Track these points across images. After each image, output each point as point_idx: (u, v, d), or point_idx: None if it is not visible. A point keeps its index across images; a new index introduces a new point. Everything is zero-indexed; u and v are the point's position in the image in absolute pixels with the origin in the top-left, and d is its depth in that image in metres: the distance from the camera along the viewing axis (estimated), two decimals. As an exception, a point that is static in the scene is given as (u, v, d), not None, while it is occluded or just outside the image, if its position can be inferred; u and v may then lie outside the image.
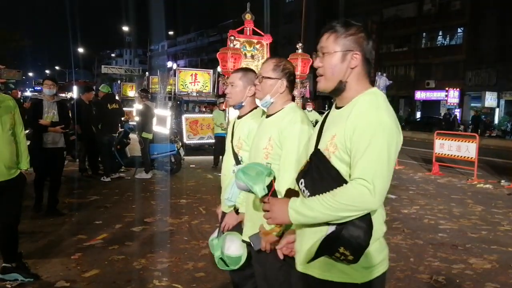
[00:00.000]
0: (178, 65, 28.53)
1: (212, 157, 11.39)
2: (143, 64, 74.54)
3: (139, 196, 7.62)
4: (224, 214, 2.90)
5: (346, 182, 1.69)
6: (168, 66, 28.73)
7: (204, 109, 14.90)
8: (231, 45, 9.11)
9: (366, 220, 1.67)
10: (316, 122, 9.09)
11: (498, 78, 30.48)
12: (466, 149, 10.61)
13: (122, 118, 10.15)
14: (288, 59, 10.09)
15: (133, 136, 10.23)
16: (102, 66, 34.07)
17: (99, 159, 9.38)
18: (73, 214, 6.27)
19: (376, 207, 1.68)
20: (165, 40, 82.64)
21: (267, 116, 2.57)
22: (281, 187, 2.18)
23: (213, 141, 12.81)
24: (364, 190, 1.62)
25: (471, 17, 32.17)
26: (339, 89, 1.82)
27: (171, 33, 77.79)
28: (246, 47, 10.06)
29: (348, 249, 1.64)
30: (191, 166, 11.12)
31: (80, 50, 62.76)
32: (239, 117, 2.92)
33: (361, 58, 1.80)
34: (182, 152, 10.29)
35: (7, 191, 3.81)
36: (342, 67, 1.79)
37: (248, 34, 10.10)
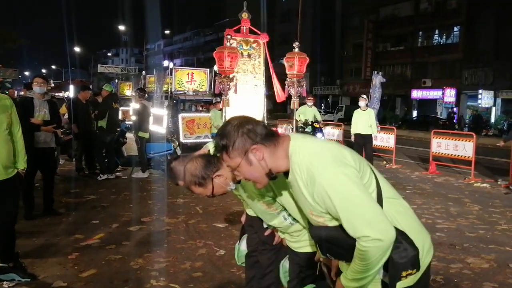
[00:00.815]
0: (174, 64, 28.45)
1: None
2: (140, 63, 74.36)
3: (136, 196, 7.60)
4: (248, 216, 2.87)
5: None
6: (164, 65, 28.63)
7: (200, 108, 14.86)
8: (228, 44, 9.09)
9: (398, 238, 1.68)
10: (315, 118, 9.10)
11: (494, 77, 30.57)
12: (463, 148, 10.62)
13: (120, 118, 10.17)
14: (285, 58, 10.02)
15: (130, 135, 10.20)
16: (99, 65, 33.94)
17: (96, 158, 9.34)
18: (70, 214, 6.25)
19: (391, 234, 1.64)
20: (161, 39, 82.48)
21: None
22: None
23: (210, 140, 12.81)
24: (370, 243, 1.61)
25: (467, 16, 32.26)
26: (272, 175, 1.86)
27: (167, 32, 77.69)
28: (242, 46, 10.03)
29: (408, 268, 1.69)
30: (188, 165, 11.09)
31: (77, 49, 62.54)
32: None
33: (261, 149, 1.81)
34: (179, 151, 10.25)
35: (4, 191, 3.80)
36: (254, 167, 1.83)
37: (244, 33, 10.08)
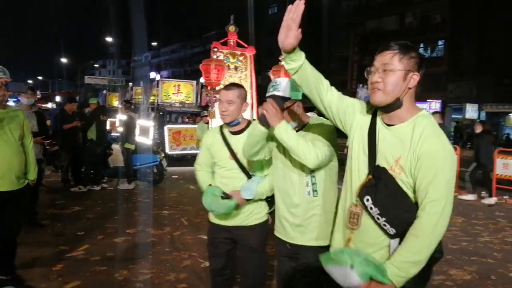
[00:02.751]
0: (161, 76, 28.49)
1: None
2: (127, 75, 74.14)
3: (122, 207, 7.58)
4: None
5: (412, 202, 1.86)
6: (151, 77, 28.70)
7: (187, 120, 14.89)
8: (214, 56, 9.14)
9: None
10: None
11: (478, 91, 31.07)
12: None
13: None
14: (271, 71, 10.03)
15: (116, 147, 10.17)
16: (86, 77, 33.69)
17: (84, 169, 9.28)
18: (55, 225, 6.20)
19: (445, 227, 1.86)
20: (148, 51, 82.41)
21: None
22: None
23: (196, 152, 12.85)
24: (436, 217, 1.79)
25: (452, 30, 32.86)
26: (394, 105, 1.91)
27: (154, 44, 77.70)
28: (229, 59, 10.10)
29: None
30: (173, 177, 11.08)
31: (64, 60, 62.23)
32: (234, 133, 2.94)
33: (418, 80, 1.91)
34: (164, 163, 10.25)
35: (14, 201, 3.88)
36: (402, 85, 1.88)
37: (231, 46, 10.14)
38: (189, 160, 13.39)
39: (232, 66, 10.11)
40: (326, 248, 2.29)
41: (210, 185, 2.97)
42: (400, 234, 1.85)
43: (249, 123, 2.96)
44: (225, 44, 10.04)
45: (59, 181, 9.34)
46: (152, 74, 30.23)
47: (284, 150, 2.53)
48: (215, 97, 9.19)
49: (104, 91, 28.83)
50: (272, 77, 9.84)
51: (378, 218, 1.88)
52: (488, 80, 29.85)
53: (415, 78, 1.89)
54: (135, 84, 23.59)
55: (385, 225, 1.87)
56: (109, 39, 62.89)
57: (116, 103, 23.73)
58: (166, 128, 13.17)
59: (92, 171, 9.14)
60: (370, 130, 2.00)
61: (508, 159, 9.80)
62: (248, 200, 2.86)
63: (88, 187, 8.88)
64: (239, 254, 3.06)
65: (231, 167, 2.92)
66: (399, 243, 1.85)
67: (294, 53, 1.99)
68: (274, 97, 2.40)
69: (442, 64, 34.03)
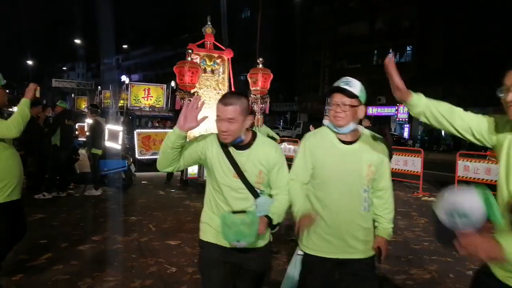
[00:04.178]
0: (131, 80, 28.14)
1: (164, 173, 11.25)
2: (97, 78, 73.06)
3: (88, 214, 7.46)
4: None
5: None
6: (121, 81, 28.28)
7: (157, 124, 14.76)
8: (189, 58, 8.84)
9: None
10: (269, 136, 8.88)
11: (444, 96, 31.72)
12: (412, 163, 11.05)
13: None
14: (249, 74, 9.73)
15: (83, 152, 10.01)
16: (53, 80, 32.92)
17: (47, 176, 9.08)
18: (16, 234, 6.05)
19: None
20: (119, 53, 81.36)
21: (344, 142, 2.59)
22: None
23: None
24: None
25: (419, 36, 33.68)
26: None
27: (125, 46, 76.77)
28: (206, 62, 9.82)
29: None
30: (142, 182, 10.97)
31: (30, 62, 60.78)
32: (239, 148, 2.53)
33: None
34: (133, 168, 10.15)
35: (19, 210, 3.93)
36: None
37: (208, 48, 9.80)
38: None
39: (208, 69, 9.86)
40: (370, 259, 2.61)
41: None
42: None
43: (254, 134, 2.61)
44: (201, 46, 9.77)
45: (23, 187, 9.09)
46: (123, 78, 29.74)
47: (343, 163, 2.55)
48: (189, 100, 9.01)
49: (73, 95, 28.34)
50: (249, 80, 9.70)
51: None
52: (453, 85, 30.69)
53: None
54: (104, 88, 23.25)
55: None
56: (77, 41, 61.64)
57: (85, 107, 23.36)
58: (135, 132, 13.04)
59: (57, 177, 8.96)
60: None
61: (469, 162, 10.11)
62: (270, 222, 2.51)
63: (53, 194, 8.69)
64: (242, 280, 2.65)
65: (237, 187, 2.53)
66: None
67: (410, 103, 2.16)
68: (343, 90, 2.51)
69: (410, 70, 34.82)
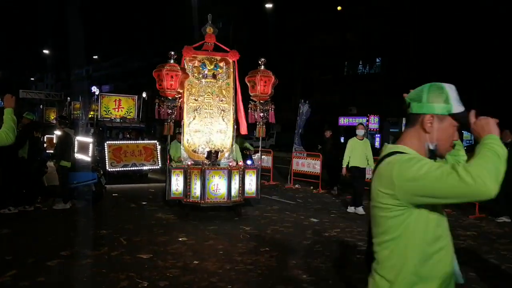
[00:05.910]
0: (101, 90, 27.81)
1: (136, 185, 11.09)
2: (66, 89, 71.71)
3: (56, 228, 7.25)
4: None
5: None
6: (91, 91, 27.90)
7: (128, 136, 14.55)
8: (171, 61, 7.99)
9: None
10: (245, 146, 8.71)
11: (413, 105, 32.61)
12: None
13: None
14: (247, 77, 8.61)
15: (51, 164, 9.76)
16: (20, 91, 32.17)
17: (13, 189, 8.78)
18: (-21, 250, 5.83)
19: None
20: (90, 64, 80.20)
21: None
22: None
23: (138, 168, 12.68)
24: None
25: (389, 48, 34.44)
26: None
27: (96, 57, 75.74)
28: (206, 66, 8.84)
29: None
30: (113, 195, 10.73)
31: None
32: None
33: None
34: (103, 180, 9.93)
35: None
36: None
37: (209, 50, 8.86)
38: (131, 177, 13.07)
39: (209, 74, 8.78)
40: None
41: None
42: None
43: None
44: (200, 48, 8.77)
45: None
46: (94, 88, 29.29)
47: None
48: (172, 108, 8.00)
49: (41, 106, 27.75)
50: (248, 84, 8.72)
51: None
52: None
53: None
54: (74, 99, 22.86)
55: None
56: (46, 51, 60.48)
57: (54, 118, 22.94)
58: (106, 144, 12.80)
59: (24, 191, 8.69)
60: None
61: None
62: None
63: (20, 208, 8.41)
64: None
65: None
66: None
67: None
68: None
69: (379, 80, 35.58)
